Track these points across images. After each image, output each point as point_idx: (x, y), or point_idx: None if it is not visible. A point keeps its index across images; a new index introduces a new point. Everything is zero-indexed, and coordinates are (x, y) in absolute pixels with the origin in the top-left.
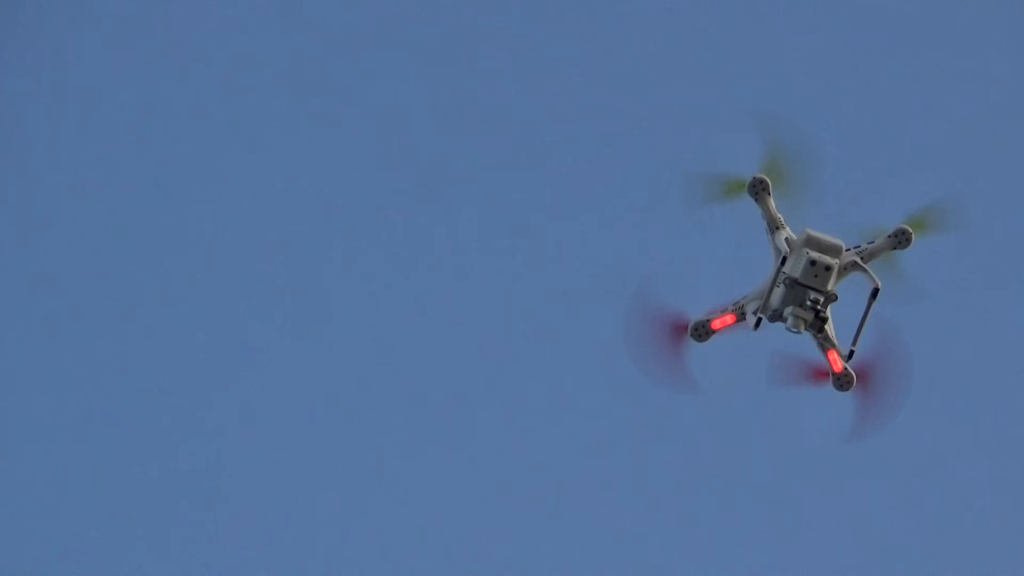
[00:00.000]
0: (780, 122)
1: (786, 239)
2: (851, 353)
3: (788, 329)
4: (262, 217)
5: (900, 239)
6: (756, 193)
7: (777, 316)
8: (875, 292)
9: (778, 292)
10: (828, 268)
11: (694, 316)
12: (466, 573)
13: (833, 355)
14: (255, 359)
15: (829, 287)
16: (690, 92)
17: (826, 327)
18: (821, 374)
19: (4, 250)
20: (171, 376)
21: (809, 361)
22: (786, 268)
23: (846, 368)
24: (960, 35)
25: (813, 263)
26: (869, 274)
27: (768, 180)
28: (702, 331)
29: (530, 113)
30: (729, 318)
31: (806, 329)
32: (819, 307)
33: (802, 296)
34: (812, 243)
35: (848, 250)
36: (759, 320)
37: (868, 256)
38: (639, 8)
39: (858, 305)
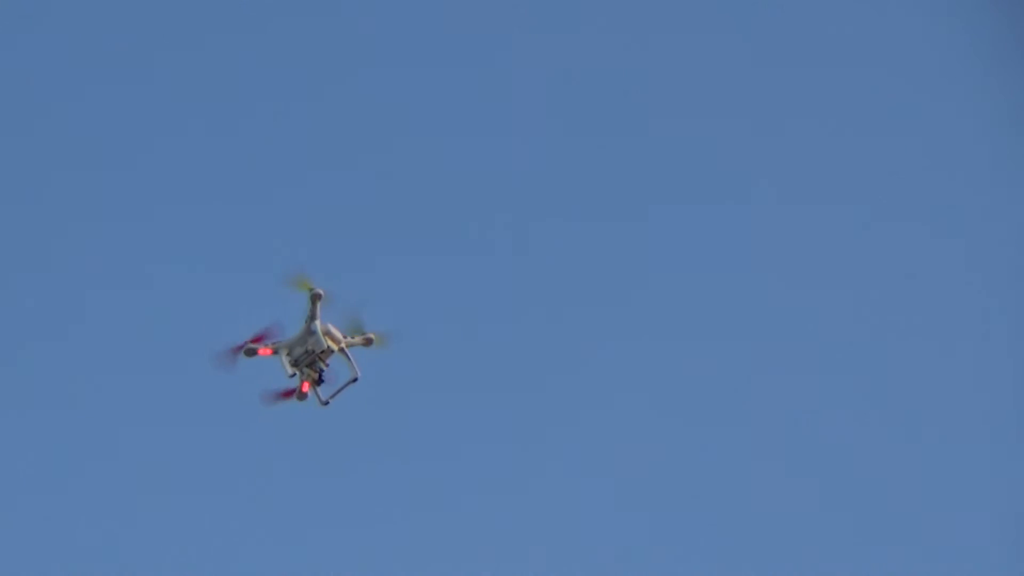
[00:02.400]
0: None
1: (317, 324)
2: (327, 402)
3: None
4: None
5: (367, 341)
6: (313, 300)
7: (296, 366)
8: (354, 379)
9: (300, 352)
10: (331, 351)
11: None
12: None
13: (307, 385)
14: None
15: (328, 361)
16: None
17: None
18: (287, 393)
19: None
20: None
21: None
22: (309, 344)
23: (308, 392)
24: None
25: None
26: (351, 363)
27: (323, 294)
28: (250, 352)
29: None
30: (268, 351)
31: (312, 383)
32: (321, 371)
33: (313, 360)
34: (328, 333)
35: (345, 338)
36: (295, 374)
37: (350, 345)
38: None
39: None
